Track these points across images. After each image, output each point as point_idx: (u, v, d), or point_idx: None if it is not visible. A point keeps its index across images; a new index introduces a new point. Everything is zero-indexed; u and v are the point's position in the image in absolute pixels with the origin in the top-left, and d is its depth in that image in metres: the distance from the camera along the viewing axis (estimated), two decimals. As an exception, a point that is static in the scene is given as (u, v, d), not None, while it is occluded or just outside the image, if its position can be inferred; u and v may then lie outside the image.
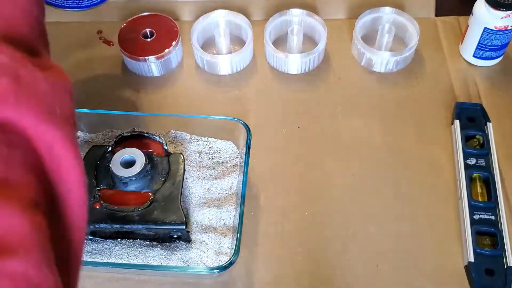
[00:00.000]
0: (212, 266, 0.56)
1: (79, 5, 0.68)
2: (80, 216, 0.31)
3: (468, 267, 0.56)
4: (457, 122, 0.66)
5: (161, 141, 0.60)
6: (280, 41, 0.77)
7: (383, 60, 0.72)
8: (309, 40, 0.77)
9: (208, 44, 0.77)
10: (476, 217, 0.59)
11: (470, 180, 0.62)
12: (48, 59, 0.36)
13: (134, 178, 0.56)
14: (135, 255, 0.56)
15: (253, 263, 0.59)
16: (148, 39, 0.74)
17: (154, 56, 0.72)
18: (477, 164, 0.63)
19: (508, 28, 0.68)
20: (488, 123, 0.66)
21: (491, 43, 0.70)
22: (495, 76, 0.73)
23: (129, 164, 0.56)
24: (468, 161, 0.63)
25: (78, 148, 0.31)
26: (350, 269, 0.58)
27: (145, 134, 0.61)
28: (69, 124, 0.31)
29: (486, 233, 0.58)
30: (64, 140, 0.30)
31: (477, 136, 0.65)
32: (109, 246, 0.57)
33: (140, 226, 0.55)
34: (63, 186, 0.30)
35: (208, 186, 0.61)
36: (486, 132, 0.66)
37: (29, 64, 0.32)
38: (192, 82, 0.74)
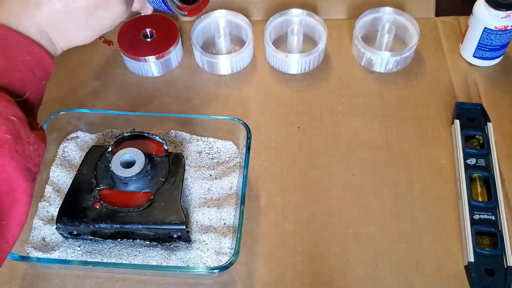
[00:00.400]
0: (212, 266, 0.56)
1: None
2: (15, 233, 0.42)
3: (468, 267, 0.56)
4: (457, 122, 0.66)
5: (161, 141, 0.60)
6: (280, 41, 0.77)
7: (383, 60, 0.72)
8: (309, 40, 0.77)
9: (208, 44, 0.77)
10: (476, 217, 0.59)
11: (470, 180, 0.62)
12: (36, 121, 0.46)
13: (134, 178, 0.56)
14: (135, 255, 0.56)
15: (253, 263, 0.59)
16: (148, 39, 0.74)
17: (154, 56, 0.72)
18: (477, 164, 0.63)
19: (508, 28, 0.68)
20: (488, 123, 0.66)
21: (491, 43, 0.70)
22: (495, 76, 0.73)
23: (129, 164, 0.56)
24: (468, 161, 0.63)
25: (31, 199, 0.42)
26: (350, 269, 0.58)
27: (145, 134, 0.61)
28: (33, 180, 0.42)
29: (486, 233, 0.58)
30: (25, 191, 0.41)
31: (477, 136, 0.65)
32: (109, 246, 0.57)
33: (140, 226, 0.55)
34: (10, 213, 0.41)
35: (208, 186, 0.61)
36: (486, 132, 0.66)
37: (27, 126, 0.41)
38: (192, 82, 0.74)
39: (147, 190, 0.57)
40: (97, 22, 0.50)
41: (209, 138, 0.65)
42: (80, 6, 0.47)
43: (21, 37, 0.45)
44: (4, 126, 0.40)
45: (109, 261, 0.56)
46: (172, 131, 0.66)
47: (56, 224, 0.56)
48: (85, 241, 0.58)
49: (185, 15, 0.63)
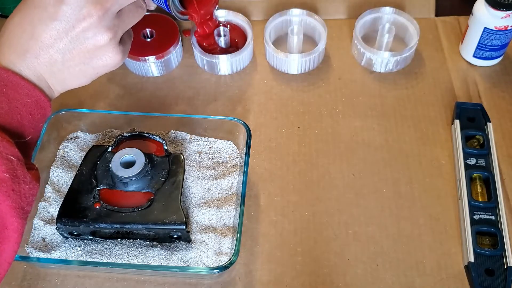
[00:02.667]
0: (212, 266, 0.56)
1: None
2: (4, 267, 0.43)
3: (468, 267, 0.56)
4: (457, 122, 0.66)
5: (161, 141, 0.60)
6: (280, 41, 0.77)
7: (383, 60, 0.72)
8: (309, 40, 0.77)
9: (208, 44, 0.77)
10: (476, 217, 0.59)
11: (470, 180, 0.62)
12: (31, 162, 0.48)
13: (134, 178, 0.56)
14: (135, 255, 0.56)
15: (253, 263, 0.59)
16: (148, 39, 0.74)
17: (154, 56, 0.72)
18: (477, 164, 0.63)
19: (508, 28, 0.68)
20: (488, 123, 0.66)
21: (491, 43, 0.70)
22: (495, 76, 0.73)
23: (129, 164, 0.56)
24: (468, 161, 0.63)
25: (21, 237, 0.44)
26: (350, 269, 0.58)
27: (145, 134, 0.61)
28: (25, 218, 0.44)
29: (486, 233, 0.58)
30: (17, 230, 0.43)
31: (477, 136, 0.65)
32: (109, 246, 0.57)
33: (140, 226, 0.55)
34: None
35: (208, 186, 0.61)
36: (486, 132, 0.66)
37: (24, 166, 0.44)
38: (192, 82, 0.74)
39: (147, 190, 0.57)
40: (93, 70, 0.51)
41: (209, 138, 0.65)
42: (76, 57, 0.49)
43: (22, 81, 0.47)
44: (3, 166, 0.42)
45: (109, 261, 0.56)
46: (172, 131, 0.66)
47: (56, 224, 0.56)
48: (85, 241, 0.58)
49: (186, 20, 0.63)
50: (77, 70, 0.50)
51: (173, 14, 0.59)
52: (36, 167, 0.47)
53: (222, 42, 0.73)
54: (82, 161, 0.60)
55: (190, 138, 0.65)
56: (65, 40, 0.48)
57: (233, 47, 0.74)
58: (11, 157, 0.43)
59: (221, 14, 0.76)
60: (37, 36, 0.47)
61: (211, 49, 0.73)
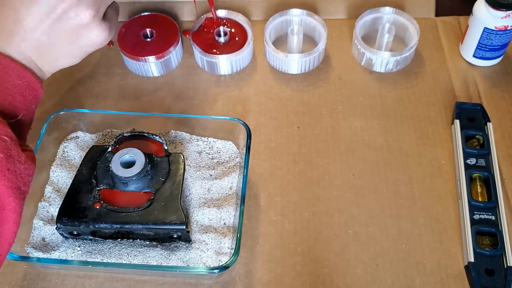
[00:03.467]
0: (212, 266, 0.56)
1: None
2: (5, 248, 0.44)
3: (468, 267, 0.56)
4: (457, 122, 0.66)
5: (161, 141, 0.60)
6: (280, 41, 0.77)
7: (383, 60, 0.72)
8: (309, 40, 0.77)
9: (208, 44, 0.77)
10: (476, 217, 0.59)
11: (470, 180, 0.62)
12: (26, 143, 0.49)
13: (134, 178, 0.56)
14: (135, 255, 0.56)
15: (253, 263, 0.59)
16: (148, 39, 0.74)
17: (154, 56, 0.72)
18: (477, 164, 0.63)
19: (508, 28, 0.68)
20: (488, 123, 0.66)
21: (491, 43, 0.70)
22: (495, 76, 0.73)
23: (129, 164, 0.56)
24: (468, 161, 0.63)
25: (20, 218, 0.44)
26: (350, 269, 0.58)
27: (145, 134, 0.61)
28: (23, 199, 0.44)
29: (486, 233, 0.58)
30: (15, 209, 0.43)
31: (477, 136, 0.65)
32: (109, 246, 0.57)
33: (140, 226, 0.55)
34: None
35: (208, 186, 0.61)
36: (486, 132, 0.66)
37: (18, 146, 0.44)
38: (192, 82, 0.74)
39: (147, 190, 0.57)
40: (80, 49, 0.52)
41: (209, 138, 0.65)
42: (62, 38, 0.50)
43: (12, 63, 0.47)
44: None
45: (109, 261, 0.56)
46: (172, 131, 0.66)
47: (56, 224, 0.56)
48: (85, 241, 0.58)
49: None
50: (65, 50, 0.51)
51: None
52: (30, 148, 0.47)
53: (222, 40, 0.73)
54: (82, 161, 0.60)
55: (190, 138, 0.65)
56: (48, 22, 0.48)
57: (232, 39, 0.74)
58: (4, 137, 0.43)
59: (222, 14, 0.76)
60: (20, 20, 0.48)
61: (210, 43, 0.73)
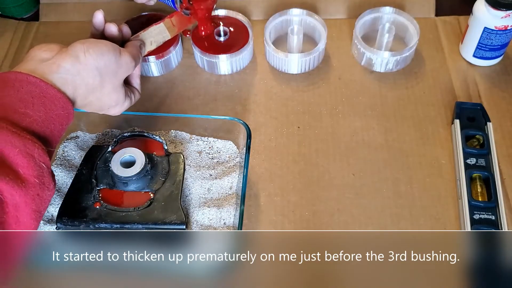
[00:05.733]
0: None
1: None
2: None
3: (468, 267, 0.56)
4: (457, 122, 0.66)
5: (161, 141, 0.60)
6: (280, 41, 0.77)
7: (383, 60, 0.72)
8: (309, 40, 0.77)
9: (208, 44, 0.77)
10: (476, 217, 0.59)
11: (470, 180, 0.62)
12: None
13: (134, 178, 0.56)
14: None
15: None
16: (148, 39, 0.74)
17: (154, 56, 0.72)
18: (477, 164, 0.63)
19: (508, 28, 0.68)
20: (488, 123, 0.66)
21: (491, 43, 0.70)
22: (495, 76, 0.73)
23: (129, 164, 0.56)
24: (468, 161, 0.63)
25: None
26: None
27: (145, 134, 0.61)
28: (39, 221, 0.47)
29: (486, 233, 0.58)
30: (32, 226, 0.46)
31: (477, 136, 0.65)
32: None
33: (140, 226, 0.55)
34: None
35: (208, 186, 0.61)
36: (486, 132, 0.66)
37: (50, 174, 0.46)
38: (192, 82, 0.74)
39: (147, 190, 0.57)
40: (106, 111, 0.57)
41: (209, 138, 0.65)
42: (106, 104, 0.55)
43: (59, 93, 0.49)
44: (36, 171, 0.45)
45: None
46: (172, 131, 0.66)
47: (56, 224, 0.56)
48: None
49: (188, 15, 0.64)
50: (99, 105, 0.55)
51: (177, 8, 0.60)
52: (53, 174, 0.49)
53: (222, 40, 0.73)
54: (82, 161, 0.60)
55: (190, 138, 0.65)
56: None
57: (232, 39, 0.74)
58: (43, 164, 0.45)
59: (221, 14, 0.76)
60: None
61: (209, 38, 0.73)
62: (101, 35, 0.58)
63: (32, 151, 0.45)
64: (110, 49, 0.53)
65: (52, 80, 0.49)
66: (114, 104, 0.56)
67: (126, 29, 0.60)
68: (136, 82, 0.61)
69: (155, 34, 0.63)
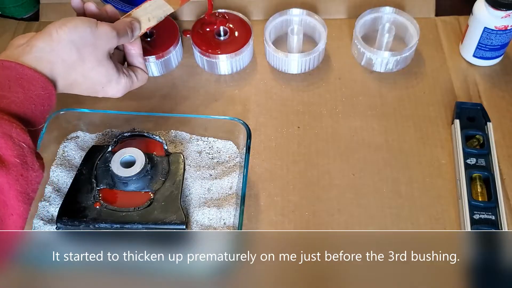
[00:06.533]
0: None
1: None
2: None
3: (468, 267, 0.56)
4: (457, 121, 0.66)
5: (161, 141, 0.60)
6: (280, 41, 0.77)
7: (383, 60, 0.72)
8: (309, 40, 0.77)
9: (208, 44, 0.77)
10: (476, 217, 0.59)
11: (470, 180, 0.62)
12: (37, 150, 0.50)
13: (134, 178, 0.56)
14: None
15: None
16: (148, 39, 0.74)
17: (154, 56, 0.72)
18: (477, 164, 0.63)
19: (508, 28, 0.68)
20: (488, 123, 0.66)
21: (491, 43, 0.70)
22: (495, 76, 0.73)
23: (129, 164, 0.57)
24: (468, 161, 0.63)
25: (25, 223, 0.46)
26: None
27: (145, 134, 0.61)
28: (29, 204, 0.46)
29: (486, 233, 0.58)
30: (22, 215, 0.45)
31: (477, 136, 0.65)
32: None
33: (140, 226, 0.55)
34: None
35: (208, 186, 0.61)
36: (486, 132, 0.66)
37: (34, 154, 0.46)
38: (192, 82, 0.74)
39: (147, 190, 0.57)
40: (101, 92, 0.56)
41: (209, 138, 0.65)
42: (95, 81, 0.54)
43: (37, 74, 0.49)
44: (15, 151, 0.44)
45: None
46: (172, 131, 0.66)
47: (56, 224, 0.56)
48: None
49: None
50: (87, 87, 0.55)
51: None
52: (41, 156, 0.49)
53: (221, 39, 0.73)
54: (82, 161, 0.60)
55: (190, 138, 0.65)
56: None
57: (232, 39, 0.74)
58: (23, 144, 0.45)
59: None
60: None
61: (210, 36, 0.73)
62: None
63: (10, 131, 0.44)
64: (85, 22, 0.52)
65: (26, 61, 0.49)
66: (106, 80, 0.55)
67: (110, 9, 0.59)
68: (138, 61, 0.61)
69: (151, 10, 0.61)
